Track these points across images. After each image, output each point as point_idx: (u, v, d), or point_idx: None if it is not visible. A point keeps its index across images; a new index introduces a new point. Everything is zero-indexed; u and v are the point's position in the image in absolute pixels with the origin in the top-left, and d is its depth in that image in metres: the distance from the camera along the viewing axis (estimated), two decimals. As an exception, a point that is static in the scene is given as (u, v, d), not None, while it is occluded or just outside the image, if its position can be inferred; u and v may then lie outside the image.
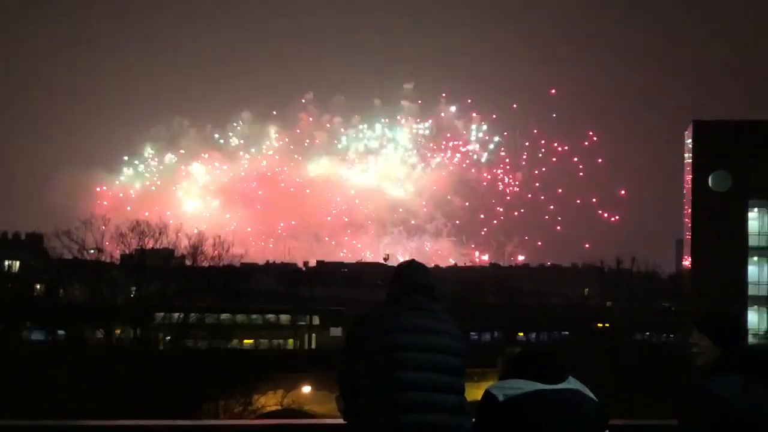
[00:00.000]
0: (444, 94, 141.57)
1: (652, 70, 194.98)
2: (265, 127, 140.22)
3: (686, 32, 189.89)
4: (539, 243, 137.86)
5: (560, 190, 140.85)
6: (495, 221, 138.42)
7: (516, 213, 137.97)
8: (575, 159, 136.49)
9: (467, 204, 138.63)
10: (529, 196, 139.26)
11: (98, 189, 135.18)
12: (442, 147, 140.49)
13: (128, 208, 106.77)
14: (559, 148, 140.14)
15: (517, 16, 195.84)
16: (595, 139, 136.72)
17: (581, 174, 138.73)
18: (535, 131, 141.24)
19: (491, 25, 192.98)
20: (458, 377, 4.47)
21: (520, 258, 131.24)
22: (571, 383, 4.34)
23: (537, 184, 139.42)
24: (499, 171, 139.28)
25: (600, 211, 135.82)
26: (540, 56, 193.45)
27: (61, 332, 44.88)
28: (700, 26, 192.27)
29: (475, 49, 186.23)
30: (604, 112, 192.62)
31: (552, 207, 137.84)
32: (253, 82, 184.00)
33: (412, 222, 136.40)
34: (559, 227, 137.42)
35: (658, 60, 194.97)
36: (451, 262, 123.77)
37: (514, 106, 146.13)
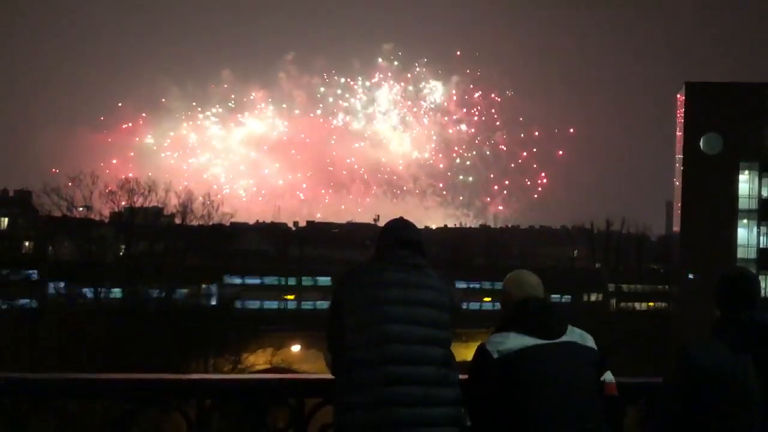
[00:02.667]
0: (425, 60, 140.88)
1: (644, 30, 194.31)
2: (246, 86, 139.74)
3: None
4: (525, 203, 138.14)
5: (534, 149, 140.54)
6: (480, 183, 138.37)
7: (502, 177, 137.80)
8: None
9: (448, 163, 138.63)
10: (521, 158, 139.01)
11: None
12: (423, 109, 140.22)
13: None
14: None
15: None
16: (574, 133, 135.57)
17: (572, 131, 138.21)
18: (512, 93, 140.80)
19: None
20: (445, 330, 4.46)
21: (507, 222, 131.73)
22: (569, 335, 4.31)
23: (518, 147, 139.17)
24: (473, 130, 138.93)
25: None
26: (525, 14, 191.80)
27: (51, 291, 44.70)
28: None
29: (456, 10, 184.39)
30: (595, 73, 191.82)
31: (536, 166, 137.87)
32: (234, 41, 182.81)
33: (401, 185, 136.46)
34: (539, 190, 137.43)
35: (651, 21, 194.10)
36: (440, 223, 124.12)
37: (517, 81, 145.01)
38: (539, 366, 4.13)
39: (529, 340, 4.18)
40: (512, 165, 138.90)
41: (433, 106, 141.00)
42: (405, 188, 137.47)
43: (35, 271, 48.50)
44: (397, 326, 4.29)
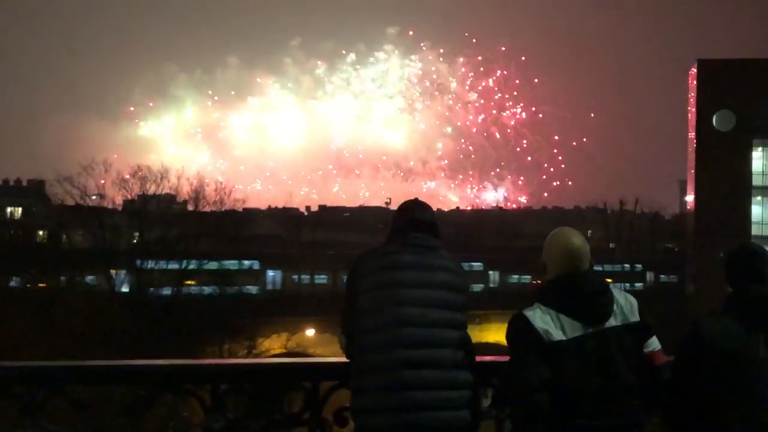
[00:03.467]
0: (430, 43, 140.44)
1: (656, 8, 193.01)
2: (252, 72, 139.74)
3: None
4: (537, 185, 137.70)
5: (556, 137, 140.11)
6: (491, 163, 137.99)
7: (513, 159, 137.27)
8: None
9: (459, 146, 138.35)
10: (532, 140, 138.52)
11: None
12: (429, 91, 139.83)
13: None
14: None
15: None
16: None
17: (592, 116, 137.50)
18: (527, 75, 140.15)
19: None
20: (460, 312, 4.42)
21: (522, 199, 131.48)
22: (616, 315, 4.08)
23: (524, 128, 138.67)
24: (484, 114, 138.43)
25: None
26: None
27: (62, 278, 44.93)
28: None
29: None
30: (606, 52, 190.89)
31: (555, 151, 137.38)
32: (238, 28, 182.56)
33: (412, 165, 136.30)
34: (551, 171, 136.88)
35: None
36: (452, 206, 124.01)
37: (503, 48, 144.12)
38: (584, 360, 3.95)
39: (573, 327, 3.98)
40: (524, 147, 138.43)
41: (440, 89, 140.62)
42: (414, 171, 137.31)
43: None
44: (412, 309, 4.26)
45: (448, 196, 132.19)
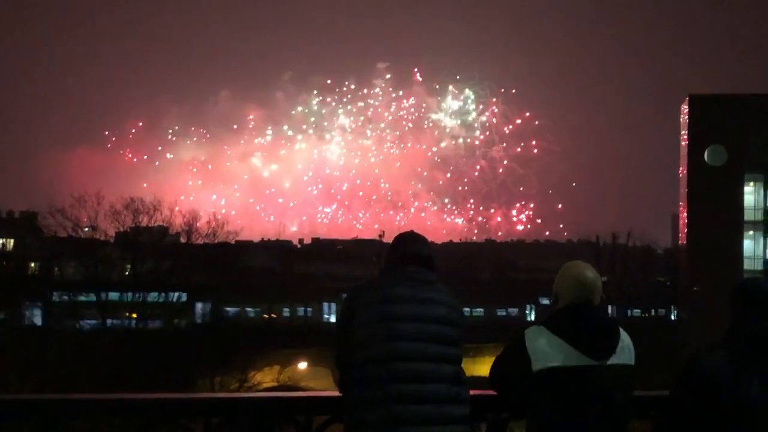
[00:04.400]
0: (416, 70, 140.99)
1: (648, 43, 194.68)
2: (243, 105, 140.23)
3: (685, 6, 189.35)
4: (529, 218, 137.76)
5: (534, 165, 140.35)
6: (482, 198, 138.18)
7: (504, 192, 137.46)
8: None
9: (448, 177, 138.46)
10: (522, 173, 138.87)
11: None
12: (418, 124, 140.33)
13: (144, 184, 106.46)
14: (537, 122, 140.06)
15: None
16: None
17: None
18: (518, 108, 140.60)
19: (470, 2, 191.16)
20: (455, 347, 4.39)
21: (519, 228, 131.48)
22: (619, 353, 4.11)
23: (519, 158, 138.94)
24: (476, 144, 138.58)
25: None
26: (525, 31, 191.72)
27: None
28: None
29: (451, 28, 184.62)
30: (599, 88, 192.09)
31: (549, 189, 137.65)
32: (228, 63, 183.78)
33: (402, 200, 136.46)
34: (541, 204, 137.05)
35: (655, 34, 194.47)
36: (445, 239, 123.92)
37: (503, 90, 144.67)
38: (583, 392, 3.97)
39: (581, 359, 4.00)
40: (515, 180, 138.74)
41: (430, 123, 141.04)
42: (406, 203, 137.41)
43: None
44: (407, 343, 4.24)
45: (439, 228, 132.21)
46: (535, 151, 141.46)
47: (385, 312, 4.30)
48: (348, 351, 4.36)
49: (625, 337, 4.20)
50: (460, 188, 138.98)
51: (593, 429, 3.98)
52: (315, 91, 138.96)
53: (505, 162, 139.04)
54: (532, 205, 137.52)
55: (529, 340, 4.07)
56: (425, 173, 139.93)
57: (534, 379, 3.99)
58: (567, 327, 4.08)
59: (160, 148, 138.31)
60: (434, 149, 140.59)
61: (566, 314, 4.14)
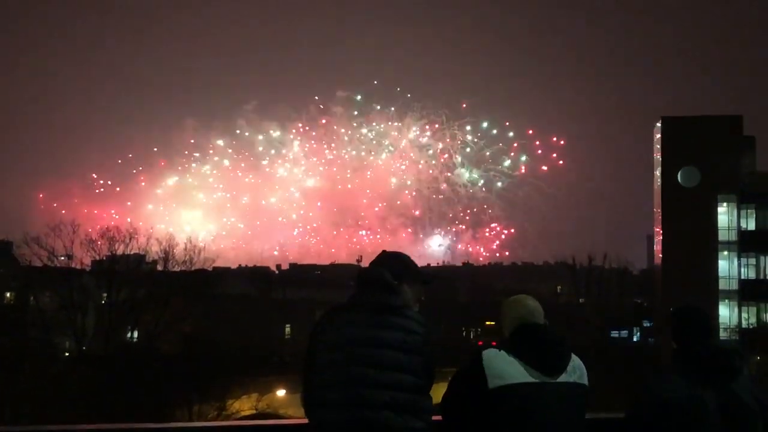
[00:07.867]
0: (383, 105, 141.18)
1: (621, 66, 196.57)
2: (208, 134, 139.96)
3: (655, 29, 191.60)
4: (505, 241, 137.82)
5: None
6: (454, 220, 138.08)
7: (477, 215, 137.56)
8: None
9: (413, 200, 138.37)
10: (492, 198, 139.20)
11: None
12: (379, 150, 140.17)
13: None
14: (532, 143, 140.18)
15: (471, 7, 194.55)
16: (562, 142, 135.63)
17: (545, 169, 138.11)
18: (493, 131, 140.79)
19: (447, 17, 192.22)
20: (412, 375, 4.33)
21: (489, 260, 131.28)
22: (570, 372, 4.20)
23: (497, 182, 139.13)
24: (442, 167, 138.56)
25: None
26: (494, 53, 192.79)
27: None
28: (669, 22, 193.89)
29: (423, 44, 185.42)
30: (572, 110, 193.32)
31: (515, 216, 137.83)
32: (193, 91, 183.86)
33: (372, 226, 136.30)
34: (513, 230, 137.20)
35: (627, 57, 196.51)
36: (423, 263, 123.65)
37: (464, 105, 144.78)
38: (538, 407, 4.05)
39: (532, 376, 4.09)
40: (479, 202, 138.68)
41: (392, 150, 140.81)
42: (374, 228, 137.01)
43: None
44: (361, 368, 4.25)
45: (413, 253, 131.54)
46: (503, 174, 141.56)
47: (341, 336, 4.35)
48: (311, 376, 4.43)
49: (575, 358, 4.28)
50: (425, 213, 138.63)
51: None
52: (275, 123, 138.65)
53: (468, 187, 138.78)
54: (505, 231, 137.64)
55: (485, 359, 4.15)
56: (393, 197, 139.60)
57: (489, 398, 4.06)
58: (519, 345, 4.18)
59: (131, 178, 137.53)
60: (397, 174, 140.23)
61: (518, 335, 4.26)
